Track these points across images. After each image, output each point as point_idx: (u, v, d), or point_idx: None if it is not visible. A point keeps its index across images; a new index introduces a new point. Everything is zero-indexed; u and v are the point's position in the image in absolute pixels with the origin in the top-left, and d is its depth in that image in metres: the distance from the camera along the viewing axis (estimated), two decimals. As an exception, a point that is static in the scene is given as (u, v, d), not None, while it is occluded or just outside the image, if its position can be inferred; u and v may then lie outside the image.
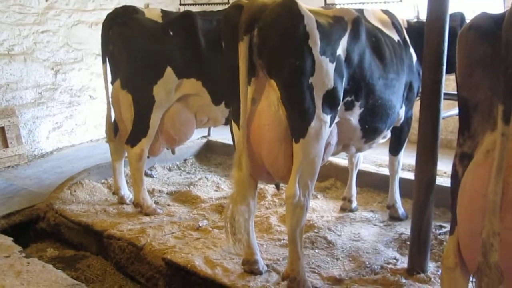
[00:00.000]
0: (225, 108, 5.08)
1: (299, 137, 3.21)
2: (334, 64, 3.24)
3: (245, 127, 3.29)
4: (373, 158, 6.16)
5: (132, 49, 4.75)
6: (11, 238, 4.49)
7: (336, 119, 3.51)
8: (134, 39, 4.72)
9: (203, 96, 4.94)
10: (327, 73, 3.19)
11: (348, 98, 3.51)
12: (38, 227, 5.26)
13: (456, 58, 2.64)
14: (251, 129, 3.31)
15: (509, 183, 2.35)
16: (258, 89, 3.28)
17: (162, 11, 4.95)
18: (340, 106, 3.45)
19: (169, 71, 4.71)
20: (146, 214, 5.01)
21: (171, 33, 4.72)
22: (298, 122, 3.20)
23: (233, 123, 3.57)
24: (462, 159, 2.64)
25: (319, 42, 3.11)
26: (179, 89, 4.84)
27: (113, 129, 5.21)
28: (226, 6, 3.48)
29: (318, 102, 3.20)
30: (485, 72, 2.46)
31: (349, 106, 3.56)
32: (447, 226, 4.47)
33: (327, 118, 3.29)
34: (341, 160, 5.93)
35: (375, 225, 4.77)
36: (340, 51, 3.31)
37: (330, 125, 3.38)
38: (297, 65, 3.08)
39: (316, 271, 3.87)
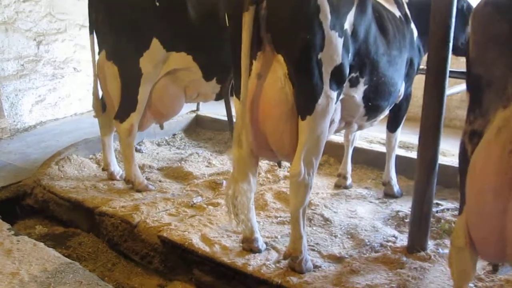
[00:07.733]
0: (216, 84, 4.95)
1: (306, 114, 3.10)
2: (343, 39, 3.12)
3: (245, 103, 3.17)
4: (365, 134, 6.12)
5: (116, 18, 4.54)
6: (-1, 215, 4.36)
7: (341, 96, 3.42)
8: (119, 8, 4.51)
9: (194, 71, 4.77)
10: (336, 48, 3.07)
11: (353, 74, 3.40)
12: (25, 203, 5.10)
13: (470, 34, 2.58)
14: (256, 106, 3.19)
15: None
16: (264, 64, 3.13)
17: None
18: (345, 83, 3.36)
19: (155, 42, 4.51)
20: (138, 191, 4.89)
21: (157, 4, 4.52)
22: (305, 99, 3.09)
23: (235, 99, 3.44)
24: (472, 137, 2.57)
25: (329, 16, 2.98)
26: (167, 62, 4.65)
27: (100, 103, 5.03)
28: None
29: (326, 78, 3.09)
30: (502, 49, 2.40)
31: (353, 83, 3.46)
32: (444, 204, 4.50)
33: (334, 94, 3.18)
34: (334, 136, 5.85)
35: (371, 202, 4.75)
36: (347, 25, 3.19)
37: (336, 102, 3.29)
38: (307, 40, 2.95)
39: (316, 249, 3.83)
